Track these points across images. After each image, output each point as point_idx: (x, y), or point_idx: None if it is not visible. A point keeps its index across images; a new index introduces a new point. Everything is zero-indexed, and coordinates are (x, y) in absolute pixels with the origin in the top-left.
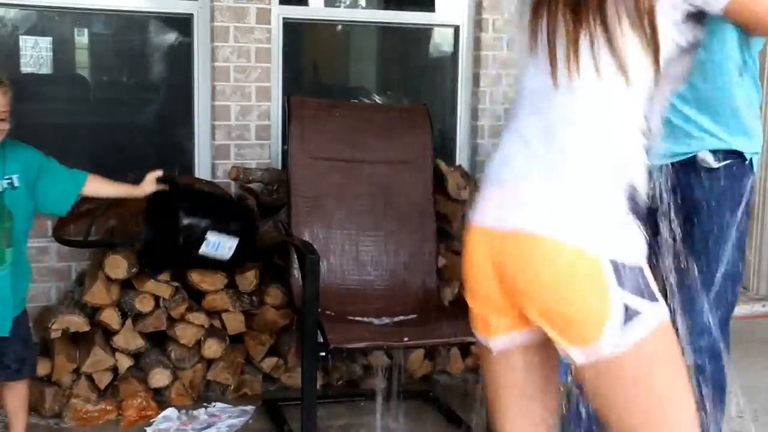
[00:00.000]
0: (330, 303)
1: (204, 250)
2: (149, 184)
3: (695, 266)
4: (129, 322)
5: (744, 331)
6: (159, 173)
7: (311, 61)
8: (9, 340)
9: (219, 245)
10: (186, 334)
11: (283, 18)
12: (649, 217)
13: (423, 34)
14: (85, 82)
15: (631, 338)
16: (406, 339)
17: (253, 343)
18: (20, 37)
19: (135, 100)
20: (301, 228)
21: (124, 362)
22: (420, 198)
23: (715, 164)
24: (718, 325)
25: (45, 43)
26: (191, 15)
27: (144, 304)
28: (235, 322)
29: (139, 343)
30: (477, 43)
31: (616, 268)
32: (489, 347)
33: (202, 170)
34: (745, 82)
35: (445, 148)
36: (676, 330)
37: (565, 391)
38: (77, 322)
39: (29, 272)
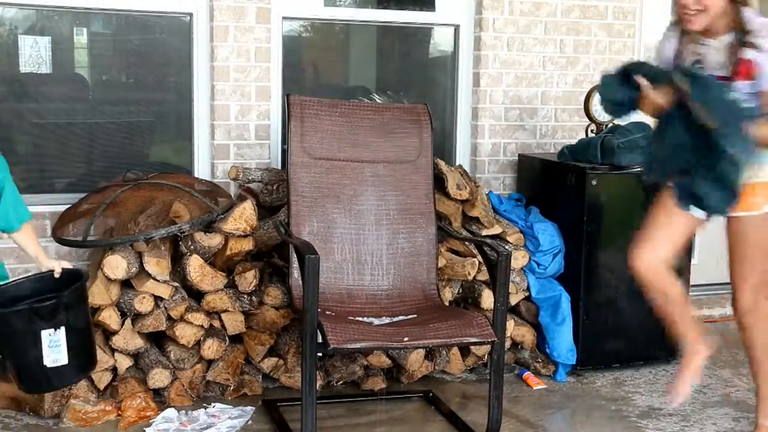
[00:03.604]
0: (330, 303)
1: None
2: (54, 265)
3: None
4: (128, 322)
5: None
6: (60, 267)
7: (311, 60)
8: None
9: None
10: (185, 334)
11: (283, 17)
12: None
13: (423, 33)
14: (85, 82)
15: None
16: (406, 339)
17: (253, 343)
18: (19, 36)
19: (134, 100)
20: (300, 228)
21: (124, 362)
22: (420, 198)
23: None
24: None
25: (44, 42)
26: (191, 14)
27: (143, 304)
28: (234, 322)
29: (138, 343)
30: (477, 43)
31: None
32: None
33: (201, 170)
34: None
35: (445, 148)
36: None
37: None
38: None
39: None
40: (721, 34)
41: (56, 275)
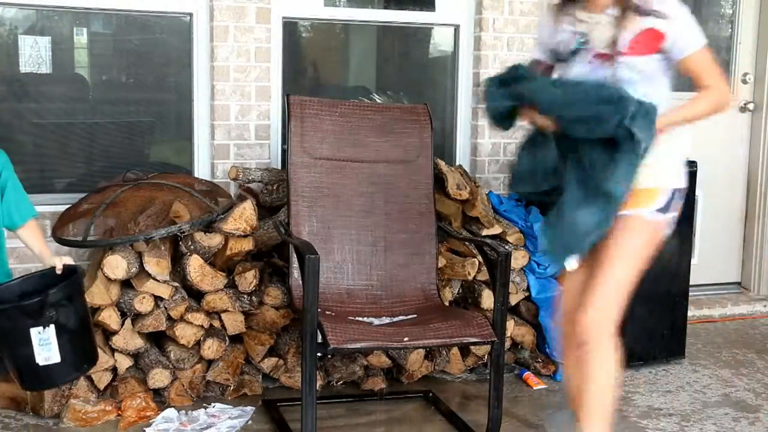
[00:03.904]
0: (330, 303)
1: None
2: (56, 261)
3: None
4: (128, 322)
5: (744, 331)
6: (62, 263)
7: (311, 60)
8: None
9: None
10: (185, 334)
11: (283, 17)
12: None
13: (423, 33)
14: (85, 82)
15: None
16: (406, 339)
17: (253, 343)
18: (19, 36)
19: (134, 100)
20: (300, 228)
21: (124, 362)
22: (420, 198)
23: None
24: None
25: (44, 42)
26: (191, 14)
27: (143, 304)
28: (234, 323)
29: (138, 343)
30: (477, 43)
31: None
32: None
33: (201, 170)
34: None
35: (445, 148)
36: None
37: None
38: None
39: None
40: (608, 6)
41: (58, 272)
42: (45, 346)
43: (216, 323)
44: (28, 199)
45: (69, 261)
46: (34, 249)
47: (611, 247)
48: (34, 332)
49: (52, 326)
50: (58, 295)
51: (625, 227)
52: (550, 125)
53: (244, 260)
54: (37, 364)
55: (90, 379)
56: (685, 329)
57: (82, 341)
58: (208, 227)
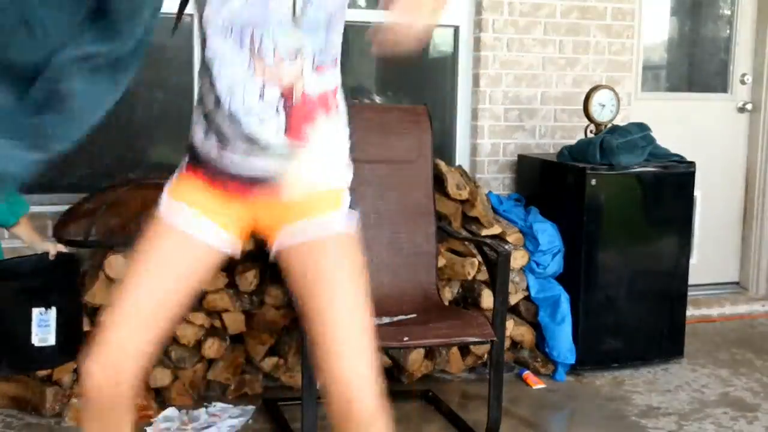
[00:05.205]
0: None
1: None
2: (49, 247)
3: None
4: None
5: (743, 330)
6: (56, 250)
7: None
8: None
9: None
10: (186, 333)
11: None
12: None
13: None
14: None
15: None
16: (406, 338)
17: (254, 342)
18: None
19: (135, 100)
20: None
21: None
22: (420, 198)
23: None
24: None
25: None
26: (191, 15)
27: None
28: (235, 322)
29: None
30: (477, 43)
31: None
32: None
33: None
34: None
35: (445, 148)
36: None
37: None
38: None
39: None
40: None
41: (51, 257)
42: (44, 327)
43: (217, 323)
44: (19, 196)
45: (63, 249)
46: (25, 239)
47: (326, 277)
48: (36, 312)
49: (54, 308)
50: (63, 280)
51: (333, 246)
52: None
53: (244, 260)
54: (32, 344)
55: None
56: (684, 329)
57: (76, 328)
58: None
